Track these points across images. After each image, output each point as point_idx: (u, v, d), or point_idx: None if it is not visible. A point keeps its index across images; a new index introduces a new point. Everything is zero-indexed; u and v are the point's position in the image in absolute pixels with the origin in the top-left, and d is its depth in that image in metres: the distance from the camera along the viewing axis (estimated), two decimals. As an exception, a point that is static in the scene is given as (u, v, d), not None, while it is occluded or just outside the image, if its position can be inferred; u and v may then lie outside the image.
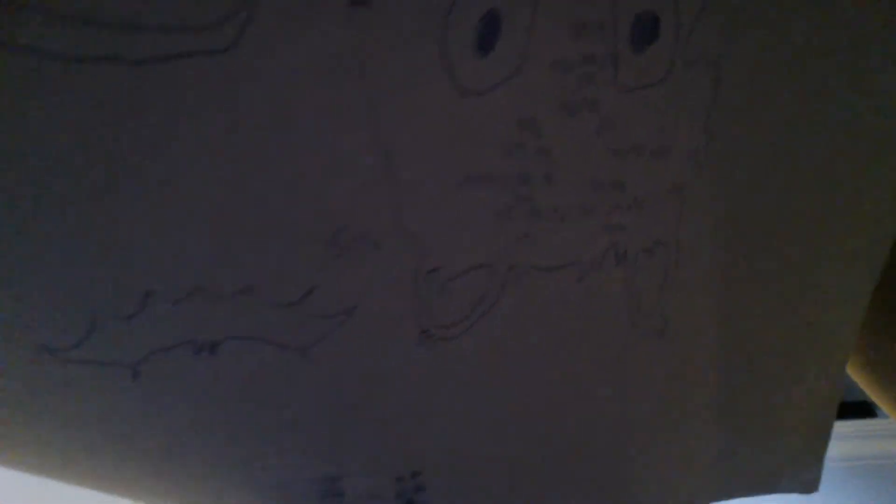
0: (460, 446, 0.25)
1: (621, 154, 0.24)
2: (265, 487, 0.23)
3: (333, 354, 0.22)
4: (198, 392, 0.21)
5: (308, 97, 0.19)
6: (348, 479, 0.24)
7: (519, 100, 0.21)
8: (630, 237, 0.25)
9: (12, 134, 0.16)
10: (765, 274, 0.29)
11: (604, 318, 0.26)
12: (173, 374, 0.21)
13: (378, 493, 0.25)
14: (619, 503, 0.29)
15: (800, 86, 0.25)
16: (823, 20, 0.25)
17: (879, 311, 0.33)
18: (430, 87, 0.20)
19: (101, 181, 0.18)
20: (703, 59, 0.24)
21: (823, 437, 0.33)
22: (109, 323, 0.19)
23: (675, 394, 0.29)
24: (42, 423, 0.20)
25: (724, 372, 0.30)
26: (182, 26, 0.17)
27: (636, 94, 0.23)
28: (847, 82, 0.26)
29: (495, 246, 0.23)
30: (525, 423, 0.26)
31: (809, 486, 0.34)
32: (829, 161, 0.27)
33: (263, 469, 0.23)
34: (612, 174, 0.24)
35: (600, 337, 0.26)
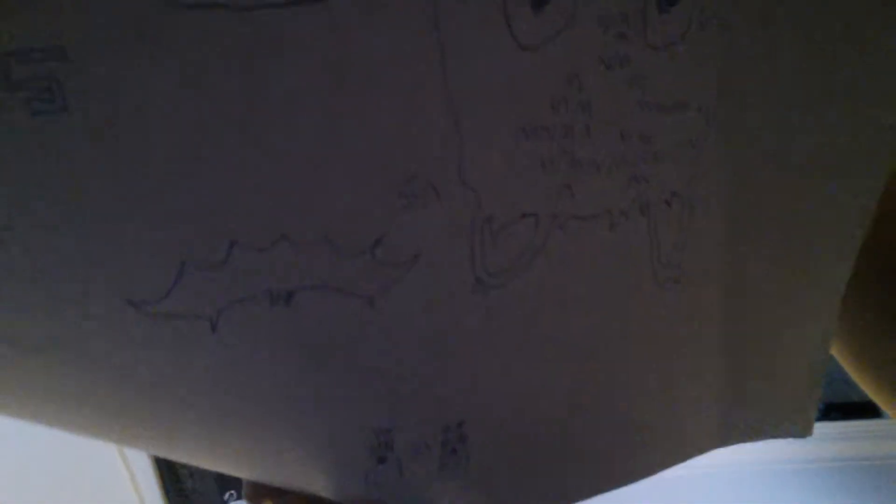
0: (501, 394, 0.27)
1: (647, 108, 0.26)
2: (318, 440, 0.24)
3: (397, 303, 0.23)
4: (270, 343, 0.22)
5: (390, 47, 0.20)
6: (399, 431, 0.25)
7: (568, 54, 0.23)
8: (652, 189, 0.27)
9: (111, 78, 0.17)
10: (765, 223, 0.31)
11: (631, 267, 0.28)
12: (249, 324, 0.21)
13: (425, 444, 0.26)
14: (639, 456, 0.31)
15: (805, 47, 0.28)
16: None
17: (880, 311, 0.34)
18: (493, 38, 0.21)
19: (197, 129, 0.18)
20: (715, 21, 0.26)
21: (817, 382, 0.35)
22: (196, 273, 0.20)
23: (687, 343, 0.31)
24: (119, 385, 0.20)
25: (728, 320, 0.32)
26: None
27: (660, 52, 0.25)
28: (852, 43, 0.28)
29: (541, 196, 0.25)
30: (560, 372, 0.28)
31: (804, 429, 0.36)
32: (830, 122, 0.30)
33: (319, 421, 0.24)
34: (639, 127, 0.26)
35: (627, 286, 0.28)
